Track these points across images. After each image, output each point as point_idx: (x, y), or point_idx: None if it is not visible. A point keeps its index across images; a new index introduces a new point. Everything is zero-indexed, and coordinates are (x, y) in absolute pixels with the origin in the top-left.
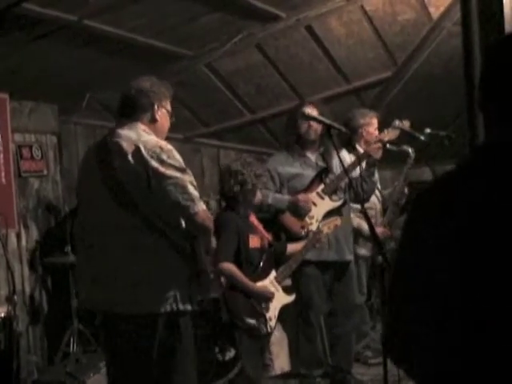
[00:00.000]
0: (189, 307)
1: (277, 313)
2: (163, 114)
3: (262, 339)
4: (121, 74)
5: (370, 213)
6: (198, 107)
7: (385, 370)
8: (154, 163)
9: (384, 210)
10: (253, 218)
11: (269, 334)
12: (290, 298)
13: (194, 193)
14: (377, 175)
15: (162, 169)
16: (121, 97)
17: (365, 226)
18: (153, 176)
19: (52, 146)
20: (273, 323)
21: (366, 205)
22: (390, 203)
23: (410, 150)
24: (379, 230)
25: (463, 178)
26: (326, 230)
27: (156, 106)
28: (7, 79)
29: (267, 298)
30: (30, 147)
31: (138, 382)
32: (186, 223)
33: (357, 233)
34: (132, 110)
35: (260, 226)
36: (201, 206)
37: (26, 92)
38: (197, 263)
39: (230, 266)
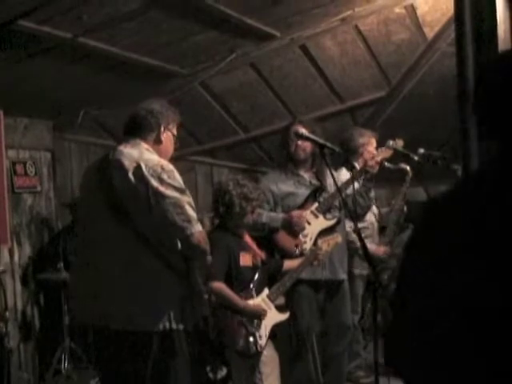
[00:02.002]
0: (182, 327)
1: (268, 331)
2: (168, 137)
3: (251, 358)
4: (115, 91)
5: (367, 232)
6: (191, 125)
7: None
8: (154, 182)
9: (381, 229)
10: (247, 236)
11: (258, 353)
12: (283, 317)
13: (192, 214)
14: (373, 193)
15: (161, 188)
16: (129, 116)
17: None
18: (152, 195)
19: (46, 163)
20: (263, 342)
21: (363, 224)
22: (390, 222)
23: (407, 168)
24: (381, 248)
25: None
26: (325, 247)
27: (162, 128)
28: (2, 95)
29: (259, 315)
30: (24, 163)
31: None
32: (181, 244)
33: (354, 251)
34: (138, 128)
35: (253, 244)
36: (197, 228)
37: (20, 108)
38: (191, 284)
39: (220, 285)
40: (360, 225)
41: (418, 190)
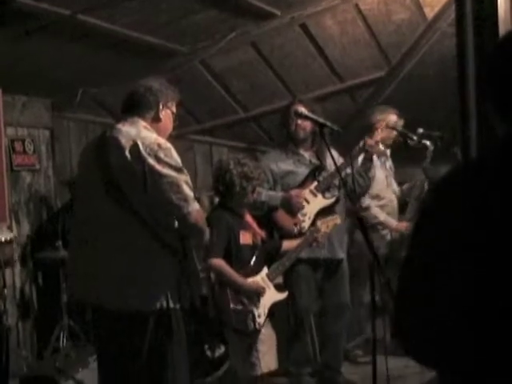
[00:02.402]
0: (178, 306)
1: (266, 310)
2: (167, 115)
3: (249, 337)
4: (114, 69)
5: (387, 209)
6: (191, 104)
7: (374, 368)
8: (151, 160)
9: (403, 205)
10: (247, 215)
11: (257, 332)
12: (282, 296)
13: (189, 193)
14: (373, 172)
15: (157, 166)
16: (127, 94)
17: (382, 217)
18: (148, 173)
19: (45, 141)
20: (261, 320)
21: (382, 201)
22: (412, 198)
23: (428, 144)
24: (404, 223)
25: (476, 172)
26: (324, 228)
27: (161, 106)
28: (0, 73)
29: (257, 293)
30: (23, 141)
31: (130, 378)
32: (178, 223)
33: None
34: (137, 106)
35: (254, 223)
36: (194, 207)
37: (19, 86)
38: (188, 263)
39: (219, 262)
40: (379, 202)
41: (416, 171)
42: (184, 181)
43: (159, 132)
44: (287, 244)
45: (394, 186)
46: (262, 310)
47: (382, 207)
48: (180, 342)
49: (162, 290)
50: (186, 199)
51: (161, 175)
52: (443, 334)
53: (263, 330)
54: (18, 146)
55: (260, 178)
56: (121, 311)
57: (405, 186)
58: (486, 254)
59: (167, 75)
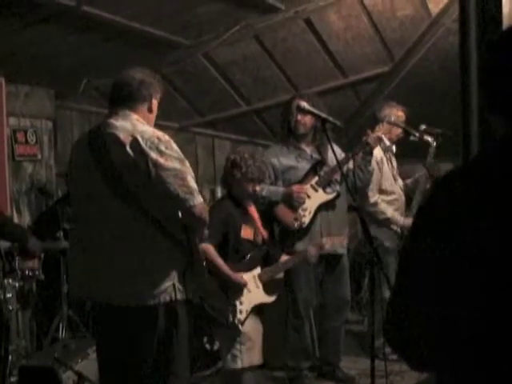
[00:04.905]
0: (185, 296)
1: (250, 308)
2: (155, 105)
3: (229, 329)
4: (118, 61)
5: (397, 204)
6: (193, 96)
7: (372, 364)
8: (154, 154)
9: (408, 201)
10: (252, 211)
11: (236, 326)
12: (269, 299)
13: (193, 185)
14: (372, 167)
15: (161, 160)
16: (118, 85)
17: (389, 213)
18: (153, 167)
19: (47, 131)
20: (242, 317)
21: (393, 196)
22: (417, 193)
23: (430, 140)
24: (410, 220)
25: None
26: (328, 245)
27: (153, 98)
28: (4, 63)
29: (238, 285)
30: (25, 131)
31: (135, 371)
32: (182, 215)
33: (382, 222)
34: (131, 99)
35: (259, 221)
36: (199, 199)
37: (22, 76)
38: (192, 254)
39: (206, 246)
40: (388, 197)
41: (418, 167)
42: (189, 173)
43: (150, 121)
44: (285, 258)
45: (400, 181)
46: (244, 307)
47: (391, 202)
48: (184, 334)
49: (169, 282)
50: (191, 192)
51: (165, 169)
52: (441, 345)
53: (248, 325)
54: (20, 137)
55: (260, 171)
56: (131, 305)
57: (409, 181)
58: (487, 257)
59: (171, 67)
